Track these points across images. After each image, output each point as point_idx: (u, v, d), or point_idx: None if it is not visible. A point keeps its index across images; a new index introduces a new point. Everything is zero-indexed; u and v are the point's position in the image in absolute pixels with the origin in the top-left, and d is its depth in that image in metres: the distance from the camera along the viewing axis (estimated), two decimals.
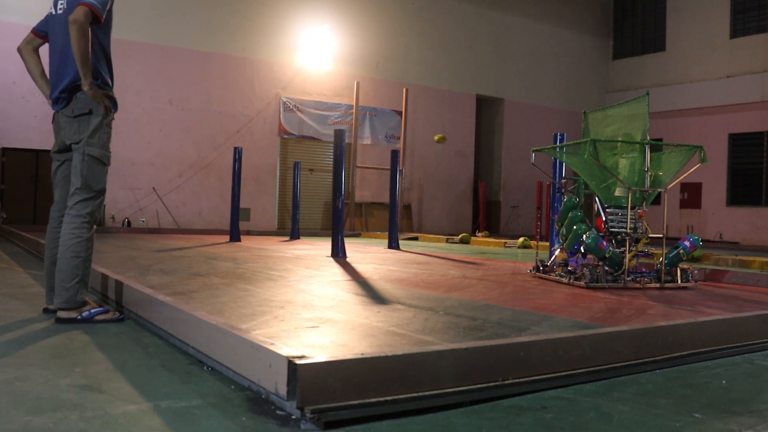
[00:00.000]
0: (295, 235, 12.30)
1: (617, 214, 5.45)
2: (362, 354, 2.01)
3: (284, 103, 15.83)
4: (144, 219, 14.03)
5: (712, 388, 2.35)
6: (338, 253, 7.74)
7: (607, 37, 21.76)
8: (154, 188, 14.15)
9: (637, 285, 5.12)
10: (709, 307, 4.28)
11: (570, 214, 5.64)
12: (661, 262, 5.32)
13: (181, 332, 2.75)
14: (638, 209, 5.36)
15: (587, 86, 21.29)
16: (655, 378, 2.47)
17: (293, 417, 1.86)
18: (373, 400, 1.89)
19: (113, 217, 13.64)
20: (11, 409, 1.87)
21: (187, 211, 14.64)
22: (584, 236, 5.18)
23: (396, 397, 1.93)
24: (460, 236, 13.34)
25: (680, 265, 5.42)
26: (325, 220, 16.37)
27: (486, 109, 19.96)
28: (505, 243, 12.33)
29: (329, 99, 16.49)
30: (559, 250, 6.11)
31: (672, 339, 2.76)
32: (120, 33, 13.73)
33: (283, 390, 1.88)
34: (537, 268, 5.94)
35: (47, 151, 12.64)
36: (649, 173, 5.38)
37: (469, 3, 18.75)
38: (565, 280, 5.32)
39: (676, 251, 5.40)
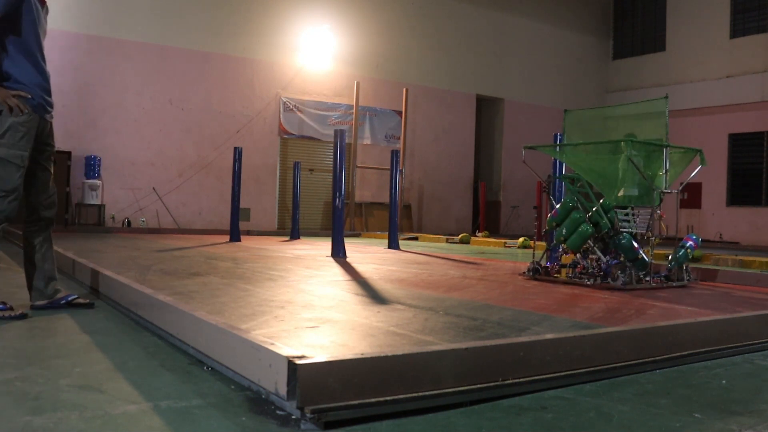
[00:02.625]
0: (295, 235, 12.30)
1: (627, 215, 5.46)
2: (362, 354, 2.01)
3: (284, 103, 15.83)
4: (144, 219, 14.03)
5: (712, 388, 2.35)
6: (338, 253, 7.74)
7: (607, 37, 21.76)
8: (154, 188, 14.15)
9: (655, 285, 5.28)
10: (736, 304, 4.29)
11: (572, 215, 5.58)
12: (670, 261, 5.54)
13: (181, 332, 2.75)
14: (657, 210, 5.47)
15: (587, 86, 21.28)
16: (655, 378, 2.47)
17: (293, 417, 1.86)
18: (373, 400, 1.89)
19: (113, 217, 13.64)
20: (11, 409, 1.87)
21: (187, 211, 14.64)
22: (619, 237, 5.22)
23: (396, 397, 1.93)
24: (460, 236, 13.33)
25: (686, 264, 5.60)
26: (325, 220, 16.36)
27: (486, 109, 19.96)
28: (505, 243, 12.33)
29: (329, 99, 16.49)
30: (562, 251, 6.01)
31: (672, 339, 2.76)
32: (120, 33, 13.76)
33: (283, 390, 1.88)
34: (535, 270, 5.76)
35: None
36: (666, 175, 5.47)
37: (469, 3, 18.75)
38: (589, 282, 5.25)
39: (683, 250, 5.52)
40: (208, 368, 2.41)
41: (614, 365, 2.49)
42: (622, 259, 5.29)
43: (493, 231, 18.61)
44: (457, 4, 18.51)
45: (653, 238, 5.38)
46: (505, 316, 3.63)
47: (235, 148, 10.57)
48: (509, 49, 19.65)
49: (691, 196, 18.35)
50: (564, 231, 5.59)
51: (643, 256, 5.19)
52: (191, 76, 14.62)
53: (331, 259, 7.42)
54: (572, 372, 2.35)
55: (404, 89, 16.99)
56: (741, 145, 17.81)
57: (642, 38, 20.70)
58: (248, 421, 1.84)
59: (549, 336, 2.46)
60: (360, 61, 16.93)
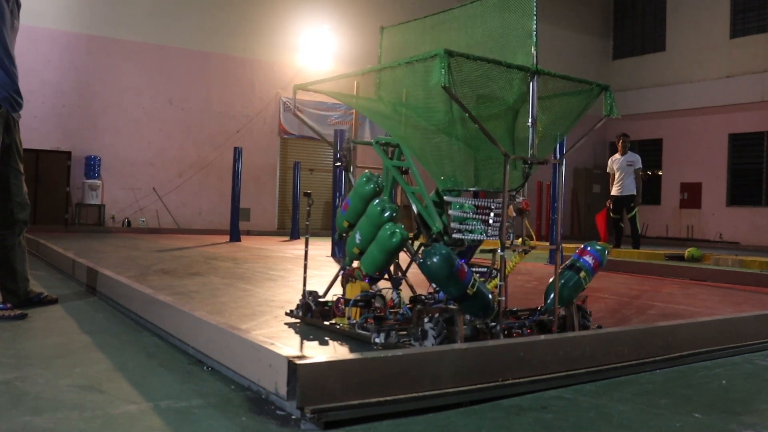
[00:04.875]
0: (295, 235, 12.31)
1: (463, 208, 2.92)
2: (362, 354, 2.01)
3: (284, 103, 15.83)
4: (144, 219, 14.02)
5: (712, 388, 2.35)
6: (338, 253, 7.74)
7: (607, 37, 21.75)
8: (154, 188, 14.14)
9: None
10: None
11: (371, 207, 3.16)
12: (546, 298, 3.08)
13: (181, 332, 2.75)
14: (518, 198, 2.93)
15: None
16: (655, 378, 2.47)
17: (293, 417, 1.85)
18: (373, 400, 1.89)
19: (113, 217, 13.63)
20: (11, 409, 1.87)
21: (187, 211, 14.63)
22: (427, 252, 2.63)
23: (396, 397, 1.93)
24: None
25: (579, 299, 3.11)
26: (325, 220, 16.36)
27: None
28: None
29: (329, 99, 16.45)
30: (347, 276, 3.28)
31: (672, 339, 2.76)
32: (120, 33, 13.76)
33: (283, 390, 1.88)
34: (306, 308, 3.30)
35: (47, 151, 12.66)
36: (536, 129, 2.92)
37: None
38: (378, 339, 2.76)
39: (576, 278, 3.05)
40: (208, 368, 2.41)
41: (614, 365, 2.49)
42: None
43: None
44: (456, 3, 18.51)
45: (502, 252, 2.76)
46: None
47: (236, 148, 10.57)
48: None
49: (691, 196, 18.35)
50: (358, 238, 3.20)
51: (481, 292, 2.67)
52: (191, 76, 14.61)
53: (331, 259, 7.42)
54: (572, 372, 2.35)
55: (404, 89, 16.98)
56: (741, 145, 17.81)
57: (642, 38, 20.69)
58: (248, 421, 1.84)
59: (549, 336, 2.46)
60: (360, 61, 16.92)
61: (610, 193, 10.65)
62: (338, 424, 1.81)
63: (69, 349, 2.67)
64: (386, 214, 3.10)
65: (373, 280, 3.20)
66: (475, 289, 2.63)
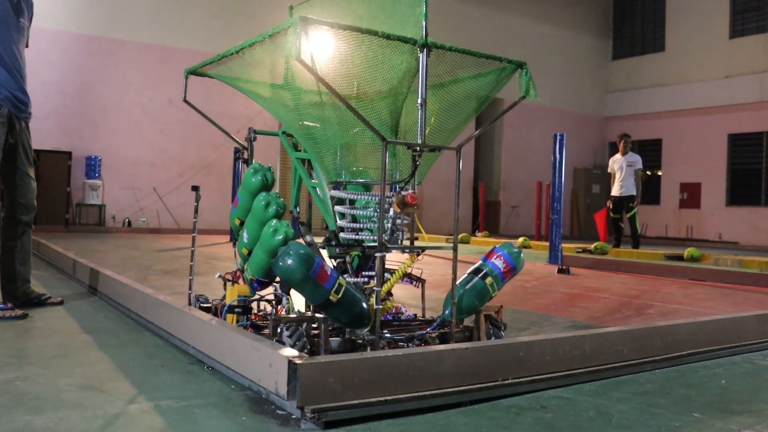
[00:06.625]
0: (295, 234, 12.30)
1: (368, 205, 2.74)
2: (362, 354, 2.01)
3: None
4: (144, 219, 14.03)
5: (712, 388, 2.35)
6: None
7: (607, 37, 21.76)
8: (154, 188, 14.15)
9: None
10: None
11: (256, 202, 2.83)
12: (445, 306, 2.76)
13: (181, 332, 2.76)
14: (403, 190, 2.59)
15: (587, 86, 21.29)
16: (655, 378, 2.48)
17: (293, 417, 1.86)
18: (373, 399, 1.89)
19: (114, 217, 13.64)
20: (12, 409, 1.88)
21: (187, 211, 14.63)
22: (282, 250, 2.37)
23: (396, 396, 1.94)
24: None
25: (486, 309, 2.81)
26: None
27: (486, 109, 19.92)
28: None
29: None
30: (230, 277, 3.10)
31: (671, 339, 2.77)
32: (120, 33, 13.77)
33: (283, 390, 1.89)
34: None
35: (47, 151, 12.66)
36: (425, 111, 2.51)
37: (469, 3, 18.75)
38: None
39: (481, 284, 2.73)
40: (208, 368, 2.41)
41: (614, 365, 2.50)
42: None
43: (493, 231, 18.61)
44: (456, 3, 18.52)
45: (381, 254, 2.44)
46: (505, 316, 3.63)
47: (236, 148, 10.56)
48: (509, 49, 19.66)
49: (691, 196, 18.36)
50: (246, 237, 2.88)
51: (351, 298, 2.37)
52: (191, 76, 14.61)
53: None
54: (572, 372, 2.36)
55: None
56: (740, 145, 17.82)
57: (642, 38, 20.70)
58: (248, 421, 1.84)
59: (549, 336, 2.46)
60: None
61: (610, 193, 10.68)
62: (338, 423, 1.81)
63: (69, 349, 2.68)
64: (271, 210, 2.76)
65: (262, 285, 2.80)
66: (340, 295, 2.30)
